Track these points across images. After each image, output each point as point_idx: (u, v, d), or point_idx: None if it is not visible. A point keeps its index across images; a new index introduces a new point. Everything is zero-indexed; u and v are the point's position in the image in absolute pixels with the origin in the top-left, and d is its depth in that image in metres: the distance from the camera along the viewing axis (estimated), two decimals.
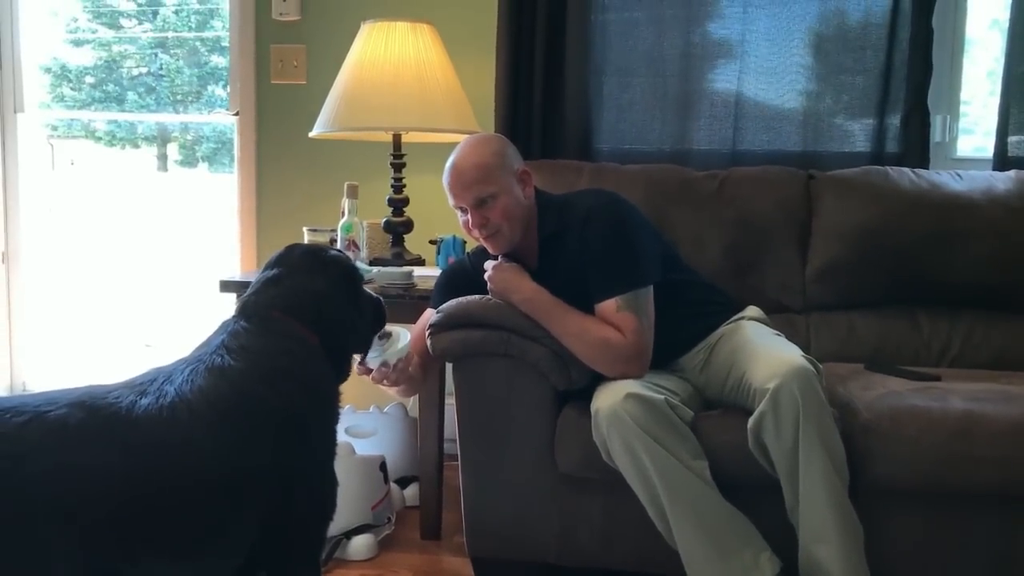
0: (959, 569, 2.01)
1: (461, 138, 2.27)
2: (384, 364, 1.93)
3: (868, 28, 2.90)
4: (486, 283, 2.14)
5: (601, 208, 2.12)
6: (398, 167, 2.87)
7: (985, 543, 1.99)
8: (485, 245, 2.17)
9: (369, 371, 1.96)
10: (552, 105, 2.99)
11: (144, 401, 1.33)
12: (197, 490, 1.32)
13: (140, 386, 1.37)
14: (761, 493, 1.95)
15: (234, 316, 1.59)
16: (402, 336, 1.94)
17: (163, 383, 1.38)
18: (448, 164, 2.13)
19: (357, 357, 1.85)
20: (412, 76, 2.71)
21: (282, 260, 1.68)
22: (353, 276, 1.74)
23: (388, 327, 1.93)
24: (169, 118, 5.89)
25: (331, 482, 1.56)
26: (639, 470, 1.93)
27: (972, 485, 1.94)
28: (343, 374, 1.72)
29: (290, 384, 1.49)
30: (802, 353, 1.95)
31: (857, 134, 2.95)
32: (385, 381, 2.00)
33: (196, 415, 1.34)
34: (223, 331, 1.54)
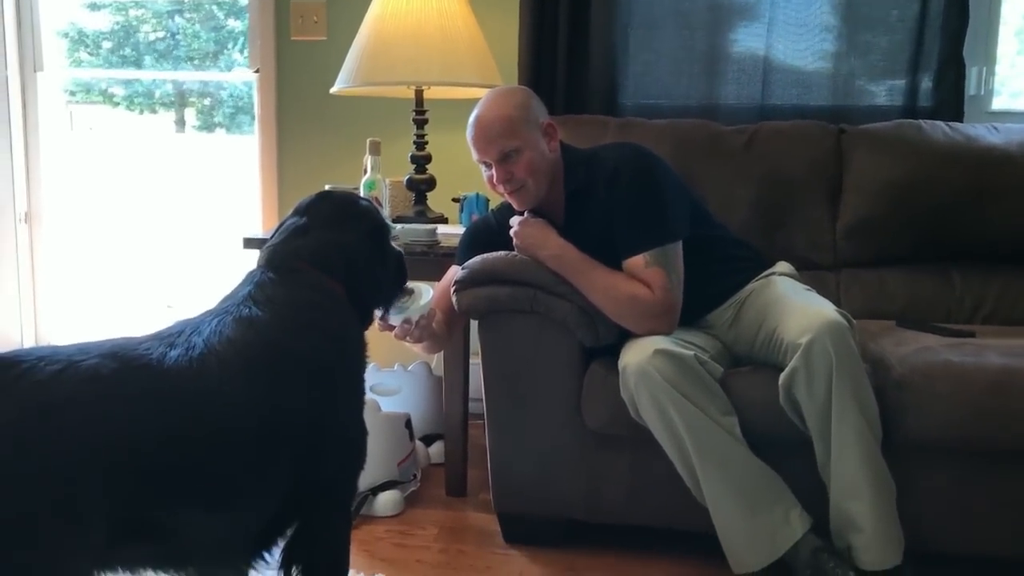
0: (992, 526, 1.98)
1: (484, 92, 2.23)
2: (406, 321, 1.90)
3: None
4: (512, 239, 2.12)
5: (629, 162, 2.08)
6: (420, 123, 2.84)
7: (1017, 500, 1.96)
8: (510, 201, 2.14)
9: (391, 327, 1.93)
10: (577, 59, 2.94)
11: (174, 352, 1.32)
12: (229, 440, 1.31)
13: (169, 337, 1.36)
14: (791, 449, 1.93)
15: (260, 266, 1.57)
16: (424, 292, 1.92)
17: (191, 334, 1.37)
18: (472, 118, 2.10)
19: (378, 312, 1.83)
20: (434, 29, 2.67)
21: (311, 209, 1.65)
22: (382, 230, 1.71)
23: (410, 284, 1.91)
24: (189, 76, 5.86)
25: (361, 431, 1.55)
26: (668, 426, 1.91)
27: (1008, 441, 1.90)
28: (365, 326, 1.70)
29: (318, 335, 1.48)
30: (835, 308, 1.92)
31: (889, 91, 2.89)
32: (408, 338, 1.98)
33: (225, 366, 1.33)
34: (249, 282, 1.52)
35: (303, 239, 1.60)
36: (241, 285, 1.53)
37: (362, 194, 2.66)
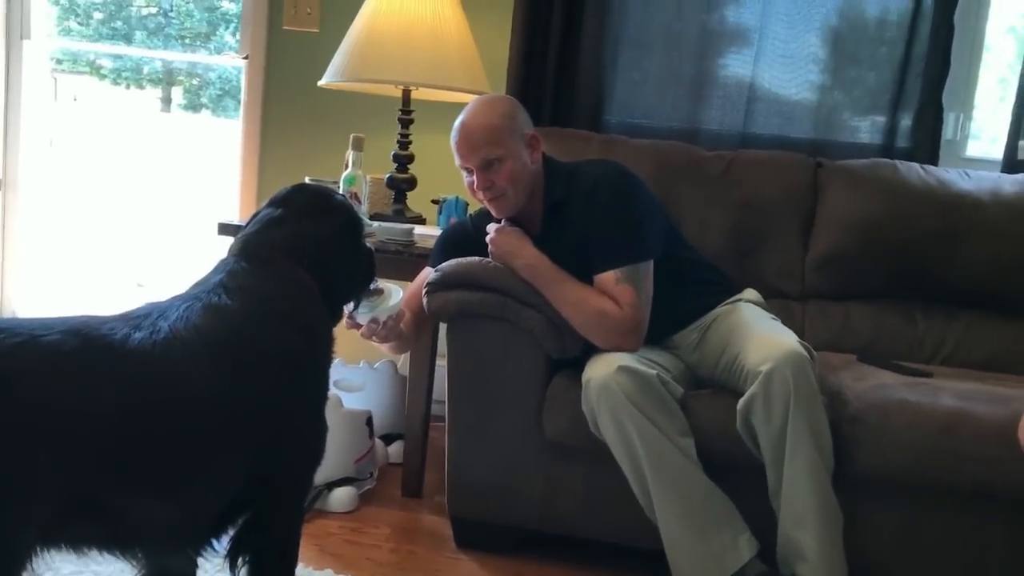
0: (935, 564, 2.02)
1: (471, 98, 2.24)
2: (373, 320, 1.91)
3: (886, 23, 2.89)
4: (487, 245, 2.13)
5: (608, 179, 2.10)
6: (405, 123, 2.85)
7: (962, 540, 2.00)
8: (489, 208, 2.15)
9: (358, 326, 1.94)
10: (565, 72, 2.97)
11: (138, 335, 1.32)
12: (186, 427, 1.31)
13: (135, 319, 1.35)
14: (744, 475, 1.96)
15: (233, 255, 1.57)
16: (394, 293, 1.93)
17: (158, 318, 1.36)
18: (457, 123, 2.11)
19: (347, 309, 1.83)
20: (426, 30, 2.68)
21: (287, 200, 1.66)
22: (356, 224, 1.72)
23: (381, 283, 1.91)
24: (177, 57, 5.82)
25: (322, 426, 1.56)
26: (625, 442, 1.93)
27: (955, 482, 1.94)
28: (335, 321, 1.71)
29: (286, 327, 1.48)
30: (797, 338, 1.95)
31: (868, 128, 2.94)
32: (374, 337, 1.99)
33: (189, 352, 1.33)
34: (221, 270, 1.52)
35: (278, 230, 1.60)
36: (213, 272, 1.53)
37: (341, 189, 2.66)
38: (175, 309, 1.39)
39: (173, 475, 1.32)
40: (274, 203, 1.66)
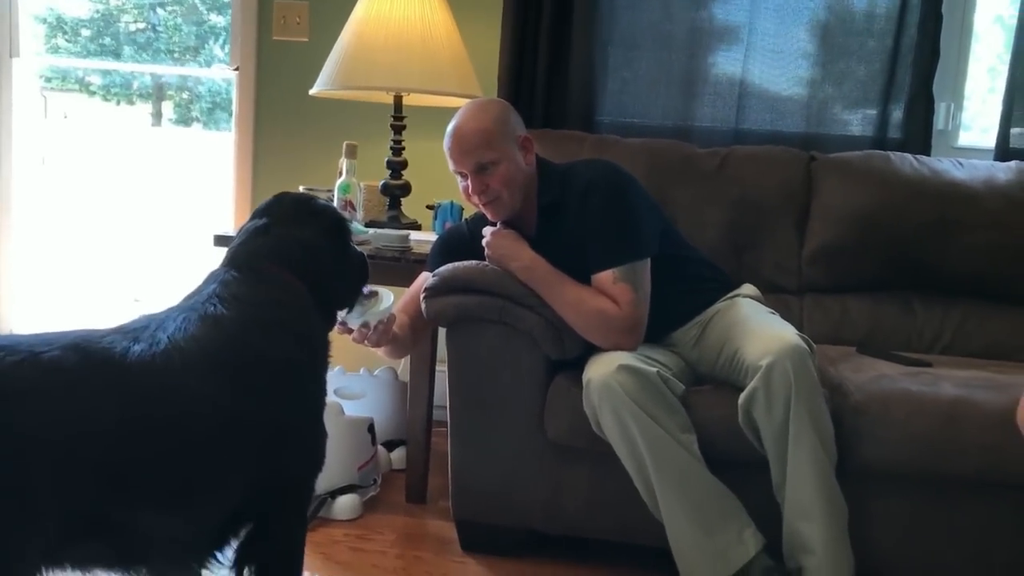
0: (941, 553, 2.02)
1: (463, 102, 2.24)
2: (364, 325, 1.90)
3: (874, 15, 2.89)
4: (483, 249, 2.13)
5: (602, 179, 2.10)
6: (398, 129, 2.85)
7: (967, 529, 2.00)
8: (484, 212, 2.15)
9: (349, 331, 1.93)
10: (556, 74, 2.97)
11: (137, 347, 1.32)
12: (188, 438, 1.31)
13: (133, 332, 1.35)
14: (748, 469, 1.95)
15: (224, 266, 1.57)
16: (385, 297, 1.92)
17: (156, 330, 1.36)
18: (449, 128, 2.11)
19: (340, 314, 1.83)
20: (416, 36, 2.68)
21: (271, 209, 1.66)
22: (342, 227, 1.72)
23: (373, 287, 1.91)
24: (169, 70, 5.81)
25: (321, 433, 1.56)
26: (628, 441, 1.93)
27: (958, 471, 1.95)
28: (329, 326, 1.71)
29: (282, 334, 1.48)
30: (796, 331, 1.96)
31: (860, 121, 2.94)
32: (366, 342, 1.98)
33: (189, 363, 1.33)
34: (214, 280, 1.52)
35: (265, 238, 1.60)
36: (205, 283, 1.53)
37: (336, 197, 2.67)
38: (172, 320, 1.39)
39: (177, 488, 1.32)
40: (258, 213, 1.67)
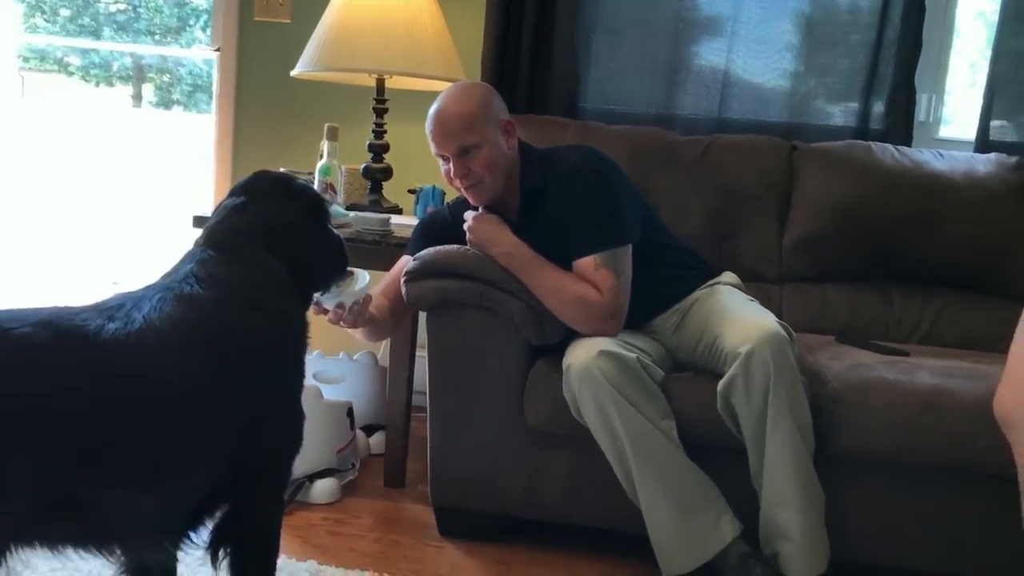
0: (917, 540, 2.04)
1: (446, 86, 2.23)
2: (339, 305, 1.88)
3: (858, 8, 2.92)
4: (465, 233, 2.12)
5: (585, 165, 2.10)
6: (380, 112, 2.83)
7: (942, 517, 2.02)
8: (466, 196, 2.14)
9: (324, 311, 1.92)
10: (540, 59, 2.96)
11: (112, 325, 1.30)
12: (163, 418, 1.29)
13: (108, 310, 1.33)
14: (726, 456, 1.96)
15: (201, 244, 1.55)
16: (361, 278, 1.89)
17: (131, 309, 1.34)
18: (431, 111, 2.10)
19: (315, 295, 1.81)
20: (399, 19, 2.66)
21: (249, 187, 1.63)
22: (320, 207, 1.70)
23: (349, 268, 1.89)
24: (148, 50, 5.75)
25: (299, 415, 1.54)
26: (607, 427, 1.93)
27: (935, 459, 1.96)
28: (307, 306, 1.70)
29: (260, 314, 1.46)
30: (776, 319, 1.96)
31: (842, 112, 2.96)
32: (342, 323, 1.97)
33: (164, 342, 1.31)
34: (190, 259, 1.50)
35: (243, 216, 1.57)
36: (182, 262, 1.50)
37: (316, 179, 2.64)
38: (148, 299, 1.37)
39: (150, 468, 1.30)
40: (235, 192, 1.64)
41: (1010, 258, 2.51)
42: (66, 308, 1.32)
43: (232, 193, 1.65)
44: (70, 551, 1.31)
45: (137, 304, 1.37)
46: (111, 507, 1.28)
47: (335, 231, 1.77)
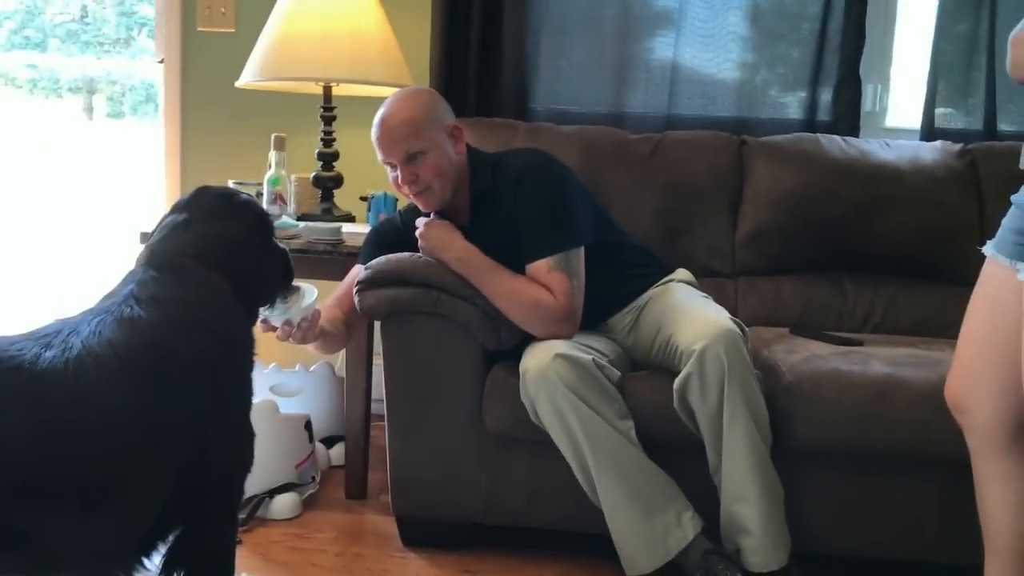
0: (875, 528, 2.06)
1: (393, 91, 2.21)
2: (287, 322, 1.86)
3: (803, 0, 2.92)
4: (417, 240, 2.11)
5: (534, 168, 2.10)
6: (328, 120, 2.80)
7: (897, 504, 2.05)
8: (415, 203, 2.13)
9: (273, 328, 1.89)
10: (489, 62, 2.94)
11: (49, 354, 1.27)
12: (105, 446, 1.27)
13: (45, 338, 1.30)
14: (685, 453, 1.97)
15: (142, 264, 1.52)
16: (307, 293, 1.87)
17: (69, 335, 1.32)
18: (376, 118, 2.08)
19: (262, 312, 1.79)
20: (344, 26, 2.64)
21: (191, 204, 1.60)
22: (265, 221, 1.67)
23: (296, 283, 1.87)
24: (92, 64, 5.64)
25: (248, 433, 1.52)
26: (565, 430, 1.93)
27: (889, 446, 1.98)
28: (253, 323, 1.68)
29: (204, 335, 1.43)
30: (729, 315, 1.97)
31: (791, 104, 2.98)
32: (291, 339, 1.95)
33: (103, 368, 1.28)
34: (131, 280, 1.47)
35: (185, 234, 1.54)
36: (122, 284, 1.47)
37: (266, 190, 2.61)
38: (86, 324, 1.34)
39: (96, 496, 1.28)
40: (178, 208, 1.61)
41: (957, 244, 2.54)
42: (1, 338, 1.29)
43: (174, 210, 1.62)
44: None
45: (75, 329, 1.34)
46: (57, 538, 1.26)
47: (281, 244, 1.75)
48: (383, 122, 2.06)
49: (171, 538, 1.48)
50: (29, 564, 1.27)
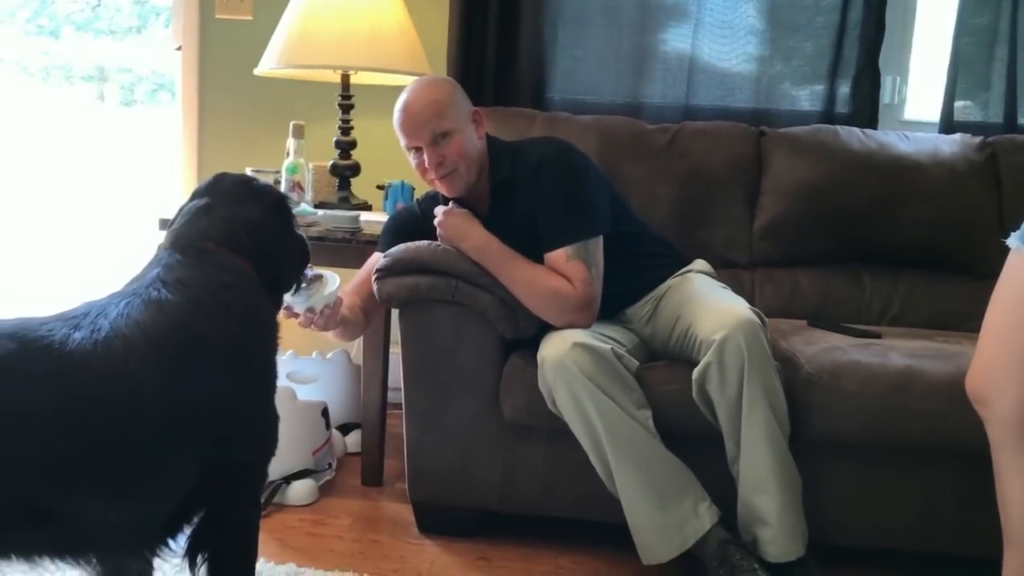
0: (893, 519, 2.06)
1: (411, 80, 2.21)
2: (310, 309, 1.87)
3: None
4: (435, 229, 2.11)
5: (553, 157, 2.09)
6: (346, 108, 2.80)
7: (918, 496, 2.04)
8: (439, 187, 2.13)
9: (295, 315, 1.90)
10: (506, 52, 2.95)
11: (78, 335, 1.28)
12: (133, 426, 1.27)
13: (74, 319, 1.31)
14: (703, 443, 1.97)
15: (166, 248, 1.52)
16: (331, 281, 1.88)
17: (97, 317, 1.32)
18: (399, 105, 2.08)
19: (286, 298, 1.79)
20: (363, 13, 2.64)
21: (211, 189, 1.61)
22: (284, 206, 1.68)
23: (318, 271, 1.87)
24: (109, 52, 5.66)
25: (273, 416, 1.52)
26: (583, 418, 1.93)
27: (908, 439, 1.98)
28: (277, 307, 1.69)
29: (229, 317, 1.44)
30: (748, 305, 1.97)
31: (809, 96, 2.97)
32: (313, 326, 1.95)
33: (132, 349, 1.29)
34: (157, 264, 1.47)
35: (208, 218, 1.55)
36: (148, 267, 1.48)
37: (283, 178, 2.62)
38: (114, 307, 1.34)
39: (123, 476, 1.28)
40: (198, 194, 1.62)
41: (976, 237, 2.54)
42: (31, 319, 1.30)
43: (194, 195, 1.63)
44: (46, 562, 1.30)
45: (103, 311, 1.34)
46: (85, 517, 1.26)
47: (299, 231, 1.75)
48: (407, 107, 2.06)
49: (195, 521, 1.48)
50: (56, 543, 1.28)
